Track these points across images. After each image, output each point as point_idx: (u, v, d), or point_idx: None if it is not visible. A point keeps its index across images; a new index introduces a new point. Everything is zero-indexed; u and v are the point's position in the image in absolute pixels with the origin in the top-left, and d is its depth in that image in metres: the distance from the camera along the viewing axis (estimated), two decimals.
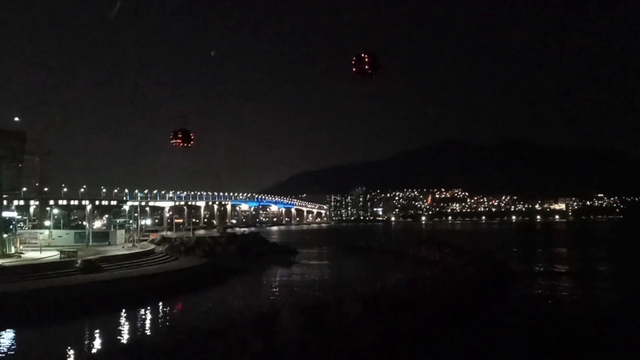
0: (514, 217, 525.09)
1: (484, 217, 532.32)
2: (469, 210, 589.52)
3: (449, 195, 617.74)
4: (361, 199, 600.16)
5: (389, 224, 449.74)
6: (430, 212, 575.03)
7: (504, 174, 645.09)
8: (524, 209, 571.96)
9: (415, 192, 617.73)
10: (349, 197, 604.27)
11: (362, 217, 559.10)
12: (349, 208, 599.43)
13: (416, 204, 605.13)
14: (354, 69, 38.24)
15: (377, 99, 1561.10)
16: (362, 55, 37.90)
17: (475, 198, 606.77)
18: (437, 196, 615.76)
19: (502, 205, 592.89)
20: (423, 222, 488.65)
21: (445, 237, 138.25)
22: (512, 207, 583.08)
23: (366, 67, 37.23)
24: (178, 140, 47.01)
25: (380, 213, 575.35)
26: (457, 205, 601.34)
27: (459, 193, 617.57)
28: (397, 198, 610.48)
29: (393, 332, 26.50)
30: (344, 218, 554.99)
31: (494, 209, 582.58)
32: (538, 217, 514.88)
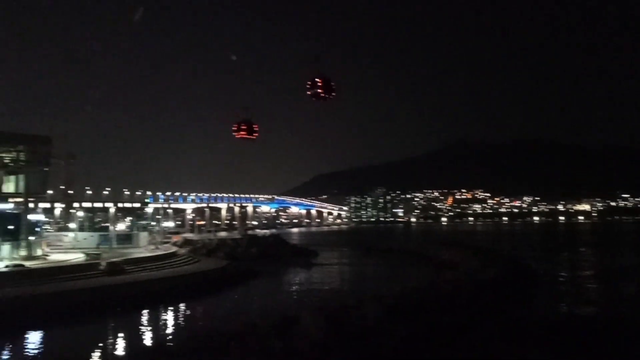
0: (536, 218, 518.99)
1: (505, 218, 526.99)
2: (490, 211, 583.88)
3: (469, 196, 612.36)
4: (381, 200, 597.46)
5: (409, 225, 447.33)
6: (451, 213, 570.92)
7: (525, 174, 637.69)
8: (546, 209, 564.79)
9: (436, 193, 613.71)
10: (368, 199, 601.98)
11: (382, 219, 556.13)
12: (369, 209, 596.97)
13: (436, 205, 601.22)
14: (308, 92, 39.51)
15: (395, 100, 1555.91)
16: (315, 79, 39.28)
17: (497, 199, 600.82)
18: (458, 197, 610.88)
19: (525, 206, 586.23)
20: (444, 223, 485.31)
21: (466, 239, 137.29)
22: (535, 207, 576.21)
23: (319, 91, 38.75)
24: (242, 132, 46.64)
25: (401, 214, 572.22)
26: (478, 206, 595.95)
27: (480, 194, 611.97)
28: (417, 199, 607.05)
29: (414, 335, 26.47)
30: (364, 219, 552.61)
31: (515, 210, 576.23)
32: (561, 218, 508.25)
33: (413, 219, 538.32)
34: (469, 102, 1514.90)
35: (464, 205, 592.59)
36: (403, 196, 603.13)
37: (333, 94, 40.04)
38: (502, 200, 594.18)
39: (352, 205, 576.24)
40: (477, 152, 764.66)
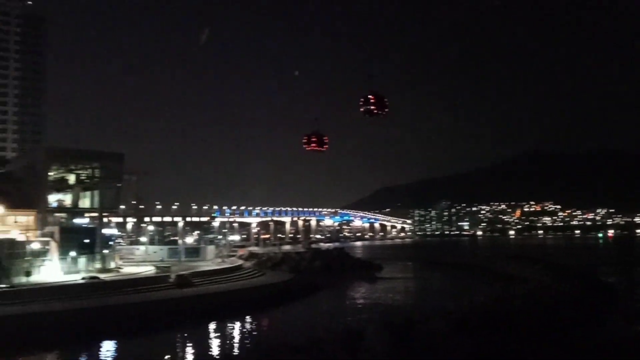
0: (611, 231, 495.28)
1: (578, 231, 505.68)
2: (561, 224, 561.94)
3: (539, 209, 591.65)
4: (446, 214, 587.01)
5: (475, 238, 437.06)
6: (519, 227, 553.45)
7: (598, 185, 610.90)
8: (622, 222, 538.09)
9: (503, 206, 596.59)
10: (433, 212, 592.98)
11: (447, 232, 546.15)
12: (434, 223, 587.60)
13: (504, 217, 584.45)
14: (361, 110, 39.82)
15: (459, 111, 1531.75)
16: (368, 96, 39.57)
17: (568, 211, 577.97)
18: (526, 209, 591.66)
19: (598, 218, 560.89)
20: (511, 236, 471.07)
21: (535, 253, 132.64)
22: (609, 220, 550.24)
23: (372, 107, 38.93)
24: (313, 145, 46.68)
25: (466, 227, 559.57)
26: (548, 218, 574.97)
27: (550, 206, 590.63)
28: (483, 212, 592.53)
29: (483, 351, 25.72)
30: (428, 233, 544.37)
31: (588, 223, 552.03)
32: (638, 231, 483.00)
33: (479, 232, 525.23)
34: (534, 112, 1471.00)
35: (533, 218, 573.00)
36: (468, 209, 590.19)
37: (386, 110, 40.45)
38: (573, 213, 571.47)
39: (416, 218, 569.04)
40: (547, 163, 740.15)
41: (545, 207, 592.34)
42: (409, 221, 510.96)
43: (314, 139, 46.37)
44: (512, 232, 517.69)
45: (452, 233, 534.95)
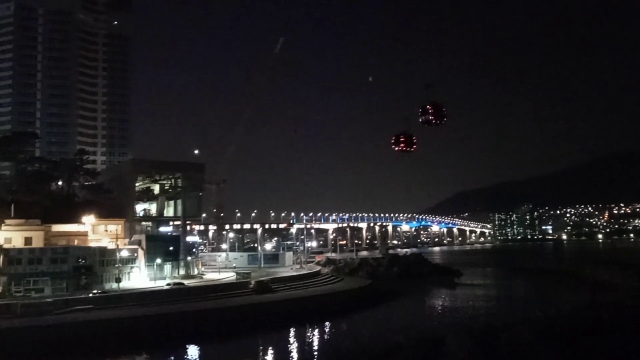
0: None
1: None
2: None
3: (629, 211, 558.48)
4: (528, 217, 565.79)
5: (560, 242, 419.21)
6: (607, 230, 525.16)
7: None
8: None
9: (589, 208, 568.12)
10: (514, 215, 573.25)
11: (529, 236, 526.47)
12: (515, 227, 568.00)
13: (591, 220, 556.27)
14: (420, 119, 39.80)
15: (540, 111, 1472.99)
16: (426, 106, 39.45)
17: None
18: (615, 212, 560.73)
19: None
20: (600, 240, 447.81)
21: (626, 258, 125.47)
22: None
23: (431, 117, 38.92)
24: (401, 145, 46.28)
25: (550, 231, 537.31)
26: None
27: None
28: (568, 215, 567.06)
29: None
30: (509, 237, 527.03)
31: None
32: None
33: (564, 236, 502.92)
34: (618, 112, 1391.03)
35: (623, 221, 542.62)
36: (552, 212, 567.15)
37: (445, 119, 40.74)
38: None
39: (496, 222, 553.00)
40: (632, 164, 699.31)
41: (637, 209, 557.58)
42: (488, 225, 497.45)
43: (402, 139, 45.52)
44: (600, 236, 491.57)
45: (535, 237, 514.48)
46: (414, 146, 45.74)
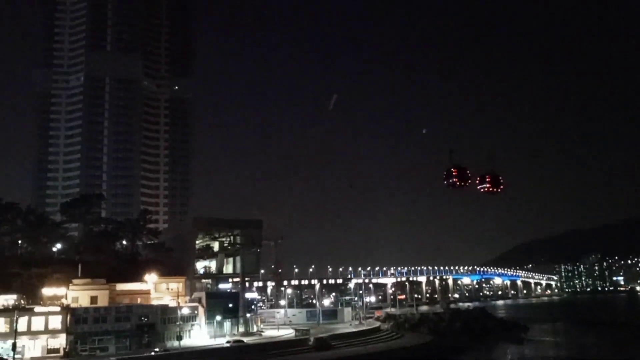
0: None
1: None
2: None
3: None
4: (596, 267, 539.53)
5: (634, 294, 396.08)
6: None
7: None
8: None
9: None
10: (581, 266, 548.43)
11: (599, 288, 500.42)
12: (583, 278, 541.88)
13: None
14: (444, 182, 41.14)
15: (605, 156, 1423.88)
16: (451, 169, 40.65)
17: None
18: None
19: None
20: None
21: None
22: None
23: (454, 180, 40.31)
24: (487, 185, 43.67)
25: (622, 282, 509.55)
26: None
27: None
28: None
29: None
30: (578, 289, 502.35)
31: None
32: None
33: (638, 288, 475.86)
34: None
35: None
36: (623, 262, 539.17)
37: (501, 187, 42.38)
38: None
39: (563, 274, 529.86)
40: None
41: None
42: (554, 277, 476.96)
43: (488, 179, 44.01)
44: None
45: (605, 289, 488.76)
46: (501, 186, 43.81)
